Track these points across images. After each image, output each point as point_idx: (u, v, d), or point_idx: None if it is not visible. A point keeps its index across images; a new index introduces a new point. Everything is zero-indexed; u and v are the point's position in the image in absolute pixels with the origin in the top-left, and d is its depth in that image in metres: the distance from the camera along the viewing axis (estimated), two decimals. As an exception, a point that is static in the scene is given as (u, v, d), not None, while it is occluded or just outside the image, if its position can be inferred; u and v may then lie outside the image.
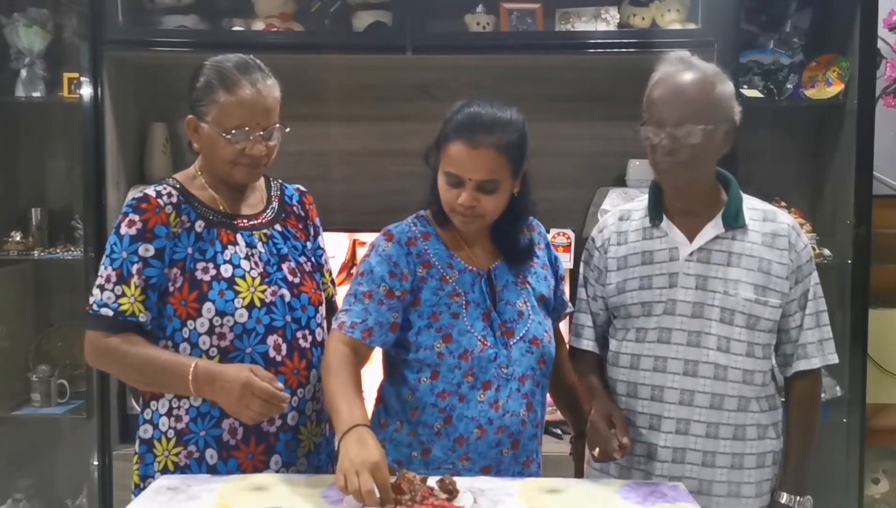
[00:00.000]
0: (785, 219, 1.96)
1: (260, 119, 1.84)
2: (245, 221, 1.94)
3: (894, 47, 3.10)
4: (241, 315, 1.84)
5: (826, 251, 2.99)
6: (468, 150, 1.79)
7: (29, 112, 3.24)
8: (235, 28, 3.12)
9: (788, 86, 3.03)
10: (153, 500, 1.68)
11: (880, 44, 3.00)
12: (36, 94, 3.10)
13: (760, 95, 3.02)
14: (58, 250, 3.13)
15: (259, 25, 3.09)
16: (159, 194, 1.86)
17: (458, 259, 1.92)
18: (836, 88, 2.97)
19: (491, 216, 1.87)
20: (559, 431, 3.10)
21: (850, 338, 2.87)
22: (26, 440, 3.23)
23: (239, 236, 1.90)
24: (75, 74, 3.00)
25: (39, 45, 3.10)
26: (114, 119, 2.99)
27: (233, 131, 1.82)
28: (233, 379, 1.75)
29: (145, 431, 1.90)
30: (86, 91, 2.92)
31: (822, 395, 2.33)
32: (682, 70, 1.86)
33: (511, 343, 1.89)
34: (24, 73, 3.09)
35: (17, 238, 3.11)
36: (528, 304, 1.93)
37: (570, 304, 2.13)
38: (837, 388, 2.92)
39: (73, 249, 3.12)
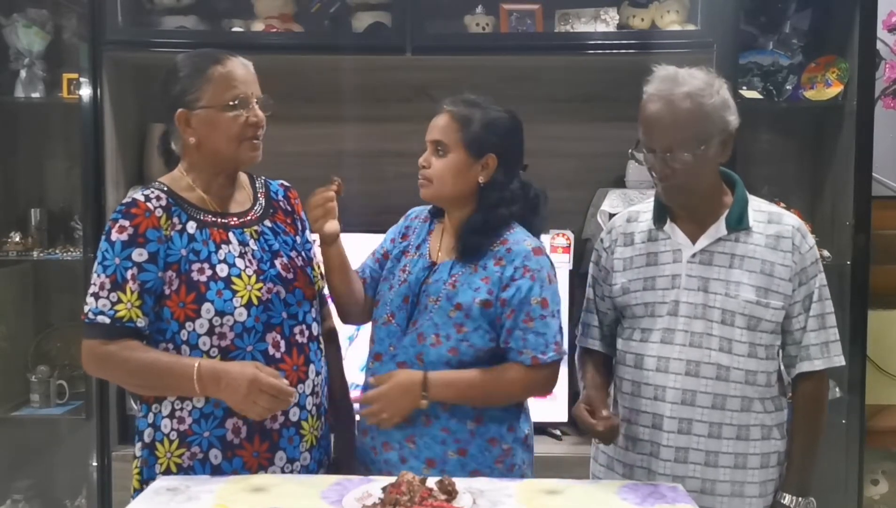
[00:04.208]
0: (790, 221, 1.96)
1: (252, 88, 1.89)
2: (235, 219, 1.94)
3: (893, 48, 3.10)
4: (241, 314, 1.84)
5: (825, 253, 2.98)
6: (435, 116, 2.00)
7: (28, 113, 3.24)
8: (235, 29, 3.12)
9: (788, 87, 3.04)
10: (152, 501, 1.68)
11: (879, 45, 3.00)
12: (35, 94, 3.10)
13: (760, 97, 3.02)
14: (57, 251, 3.13)
15: (259, 26, 3.09)
16: (148, 198, 1.85)
17: (427, 246, 2.06)
18: (836, 90, 2.97)
19: (438, 183, 1.96)
20: (558, 432, 3.10)
21: (850, 339, 2.87)
22: (25, 440, 3.23)
23: (231, 235, 1.90)
24: (75, 75, 3.00)
25: (39, 46, 3.10)
26: (113, 120, 2.99)
27: (233, 102, 1.84)
28: (239, 376, 1.75)
29: (148, 434, 1.89)
30: (85, 92, 2.92)
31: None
32: (667, 92, 1.85)
33: (408, 330, 1.98)
34: (23, 73, 3.09)
35: (17, 239, 3.11)
36: (438, 302, 1.96)
37: (528, 349, 1.92)
38: (837, 389, 2.93)
39: (72, 249, 3.12)
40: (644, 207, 2.06)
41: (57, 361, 3.21)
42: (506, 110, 2.01)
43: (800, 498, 1.93)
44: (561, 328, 1.98)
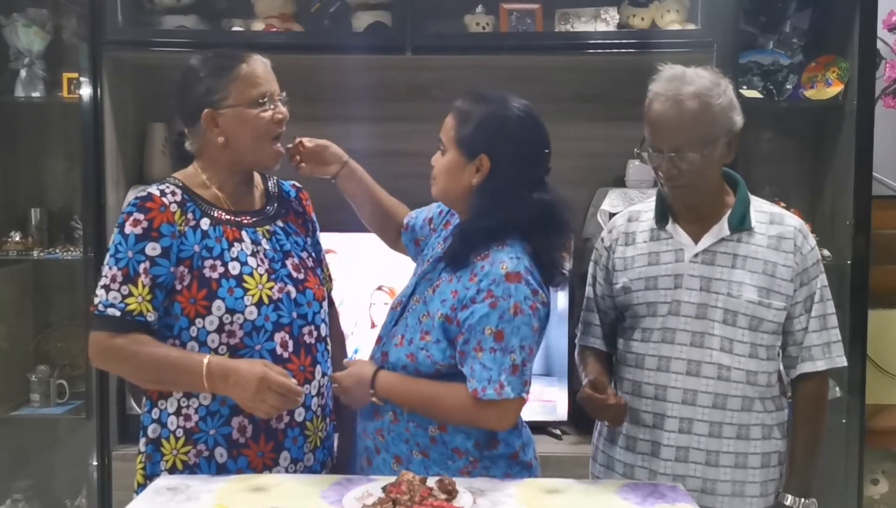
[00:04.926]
0: (792, 222, 1.97)
1: (274, 86, 1.91)
2: (248, 217, 1.94)
3: (894, 48, 3.10)
4: (251, 313, 1.84)
5: (825, 252, 2.98)
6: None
7: (28, 112, 3.24)
8: (235, 28, 3.12)
9: (788, 86, 3.04)
10: (152, 500, 1.68)
11: (879, 44, 3.00)
12: (35, 94, 3.11)
13: (760, 96, 3.02)
14: (57, 251, 3.13)
15: (259, 26, 3.09)
16: (163, 193, 1.86)
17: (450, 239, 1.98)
18: (836, 89, 2.98)
19: (437, 180, 1.91)
20: (558, 432, 3.10)
21: (850, 339, 2.86)
22: (25, 440, 3.23)
23: (244, 233, 1.90)
24: (75, 75, 3.00)
25: (39, 46, 3.10)
26: (113, 119, 2.99)
27: (262, 99, 1.86)
28: (248, 374, 1.75)
29: (153, 430, 1.88)
30: (85, 91, 2.92)
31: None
32: (674, 91, 1.83)
33: (398, 322, 1.94)
34: (23, 73, 3.09)
35: (17, 238, 3.11)
36: (417, 304, 1.92)
37: (474, 380, 1.78)
38: (837, 389, 2.93)
39: (72, 249, 3.12)
40: (645, 206, 2.06)
41: (57, 361, 3.21)
42: (520, 108, 1.86)
43: (802, 499, 1.93)
44: (516, 369, 1.76)
